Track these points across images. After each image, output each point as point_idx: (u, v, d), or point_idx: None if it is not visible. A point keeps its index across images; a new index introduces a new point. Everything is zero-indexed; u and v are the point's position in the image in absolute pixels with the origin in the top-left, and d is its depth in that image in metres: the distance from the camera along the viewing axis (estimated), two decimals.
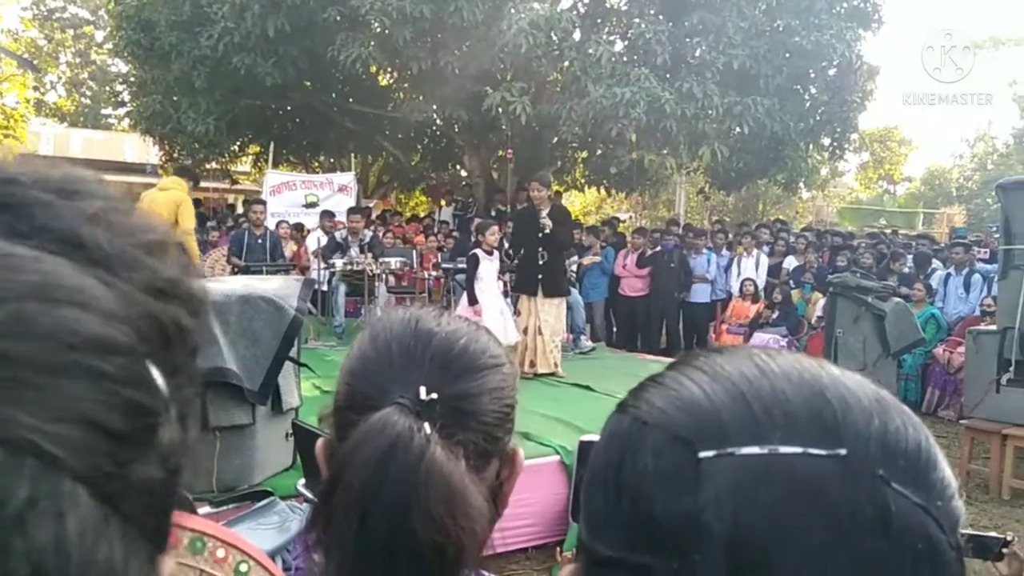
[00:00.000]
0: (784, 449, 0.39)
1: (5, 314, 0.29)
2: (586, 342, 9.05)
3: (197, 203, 15.65)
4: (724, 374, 0.43)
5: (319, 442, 0.77)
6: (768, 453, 0.39)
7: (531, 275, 7.13)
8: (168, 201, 7.55)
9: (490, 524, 0.70)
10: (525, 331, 7.11)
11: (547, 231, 6.92)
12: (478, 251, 7.44)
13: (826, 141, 13.45)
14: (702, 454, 0.40)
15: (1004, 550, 1.99)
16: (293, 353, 4.24)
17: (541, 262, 7.02)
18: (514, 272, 8.10)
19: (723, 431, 0.40)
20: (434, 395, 0.68)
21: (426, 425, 0.66)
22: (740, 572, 0.37)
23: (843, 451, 0.39)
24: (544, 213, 6.93)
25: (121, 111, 21.53)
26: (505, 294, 8.16)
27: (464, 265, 8.37)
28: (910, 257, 10.43)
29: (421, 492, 0.62)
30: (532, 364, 7.03)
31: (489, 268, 7.40)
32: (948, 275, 9.39)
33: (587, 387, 6.42)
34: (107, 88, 23.12)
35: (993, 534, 2.05)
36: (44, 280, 0.31)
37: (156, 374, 0.33)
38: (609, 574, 0.42)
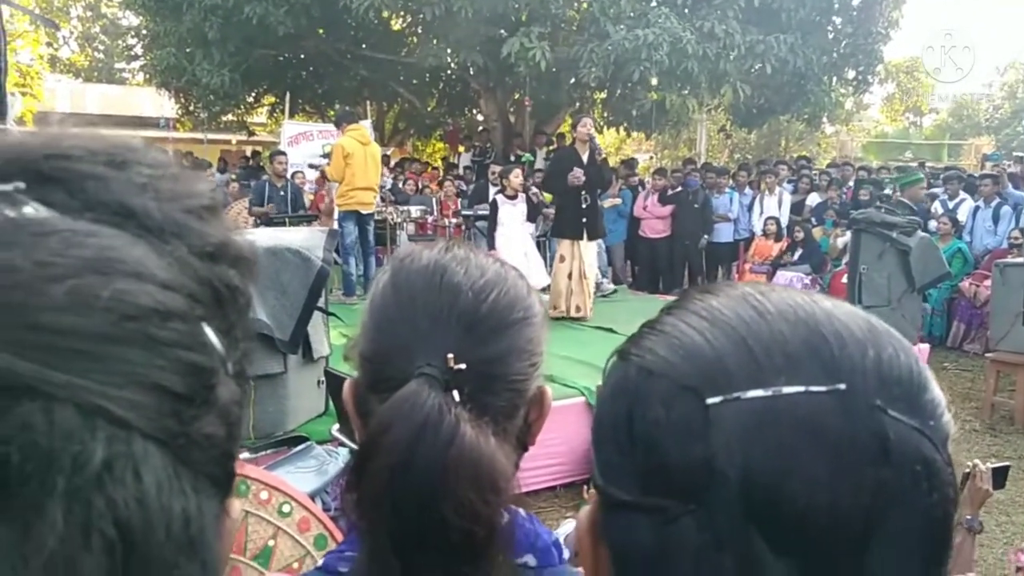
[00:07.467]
0: (787, 390, 0.41)
1: (66, 289, 0.30)
2: (608, 284, 9.06)
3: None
4: (723, 319, 0.45)
5: (346, 384, 0.76)
6: (772, 395, 0.41)
7: (575, 219, 6.97)
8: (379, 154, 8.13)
9: (516, 468, 0.68)
10: (569, 276, 7.03)
11: (598, 157, 6.88)
12: (498, 197, 7.41)
13: (850, 74, 13.13)
14: (709, 401, 0.41)
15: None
16: (321, 303, 4.31)
17: (584, 205, 6.90)
18: (541, 215, 8.04)
19: (728, 377, 0.42)
20: (462, 365, 0.66)
21: (455, 395, 0.65)
22: (753, 509, 0.40)
23: (842, 386, 0.41)
24: (585, 153, 6.89)
25: (135, 65, 21.44)
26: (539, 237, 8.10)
27: (484, 212, 8.35)
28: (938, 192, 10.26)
29: (451, 479, 0.61)
30: (579, 308, 7.03)
31: (512, 212, 7.37)
32: (977, 208, 9.25)
33: (610, 329, 6.45)
34: (120, 42, 22.97)
35: (999, 464, 2.18)
36: (100, 254, 0.32)
37: (211, 335, 0.35)
38: (625, 516, 0.44)
